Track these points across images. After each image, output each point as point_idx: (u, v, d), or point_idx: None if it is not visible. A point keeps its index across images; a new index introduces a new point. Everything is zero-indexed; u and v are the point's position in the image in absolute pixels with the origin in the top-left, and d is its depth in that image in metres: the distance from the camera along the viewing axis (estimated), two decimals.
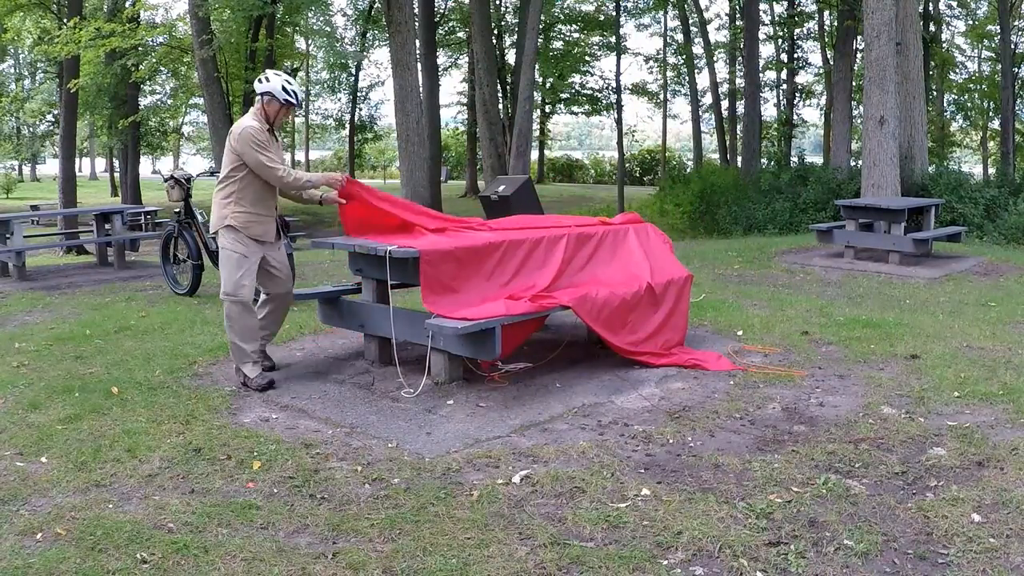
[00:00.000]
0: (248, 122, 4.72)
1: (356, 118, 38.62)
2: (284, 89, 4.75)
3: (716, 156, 32.72)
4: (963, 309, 7.08)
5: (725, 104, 31.03)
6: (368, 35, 32.18)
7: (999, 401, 4.39)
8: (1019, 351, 5.43)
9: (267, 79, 4.78)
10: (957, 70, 31.04)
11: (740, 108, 27.85)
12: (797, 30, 29.56)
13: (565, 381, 4.83)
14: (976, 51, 31.48)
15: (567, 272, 5.14)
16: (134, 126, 23.82)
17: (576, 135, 73.71)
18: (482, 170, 23.08)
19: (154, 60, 22.04)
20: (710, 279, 8.70)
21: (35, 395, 4.58)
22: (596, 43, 36.03)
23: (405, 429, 4.08)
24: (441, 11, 30.25)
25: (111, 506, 3.21)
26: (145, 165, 36.11)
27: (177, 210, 8.07)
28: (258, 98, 4.79)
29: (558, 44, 35.63)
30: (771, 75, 31.79)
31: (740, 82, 28.06)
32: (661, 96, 37.45)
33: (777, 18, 29.42)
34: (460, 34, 33.11)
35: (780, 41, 30.82)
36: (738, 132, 28.55)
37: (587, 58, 36.50)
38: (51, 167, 43.07)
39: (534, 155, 38.63)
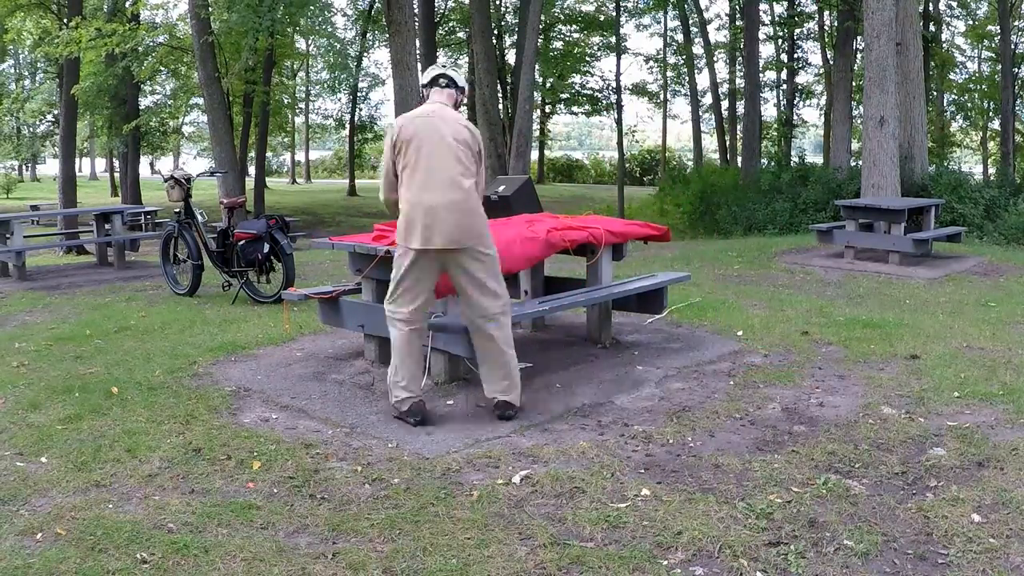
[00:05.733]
0: (474, 127, 4.22)
1: (356, 118, 38.63)
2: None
3: (716, 156, 32.73)
4: (963, 309, 7.08)
5: (725, 104, 31.04)
6: (368, 35, 32.20)
7: (999, 401, 4.39)
8: (1019, 351, 5.43)
9: (456, 70, 4.35)
10: (957, 70, 31.07)
11: (740, 108, 27.85)
12: (797, 30, 29.56)
13: (565, 381, 4.83)
14: (976, 51, 31.52)
15: None
16: (135, 127, 23.83)
17: (576, 135, 73.66)
18: None
19: (154, 60, 22.05)
20: (710, 279, 8.70)
21: (35, 395, 4.58)
22: (596, 43, 36.05)
23: (405, 429, 4.08)
24: (441, 11, 30.27)
25: (111, 506, 3.21)
26: (145, 165, 36.10)
27: (177, 210, 8.08)
28: (454, 90, 4.28)
29: (558, 44, 35.65)
30: (771, 75, 31.80)
31: (740, 82, 28.07)
32: (661, 96, 37.49)
33: (777, 18, 29.42)
34: (460, 34, 33.11)
35: (780, 41, 30.82)
36: (738, 132, 28.55)
37: (587, 58, 36.53)
38: (51, 167, 43.06)
39: (534, 155, 38.63)
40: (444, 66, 4.41)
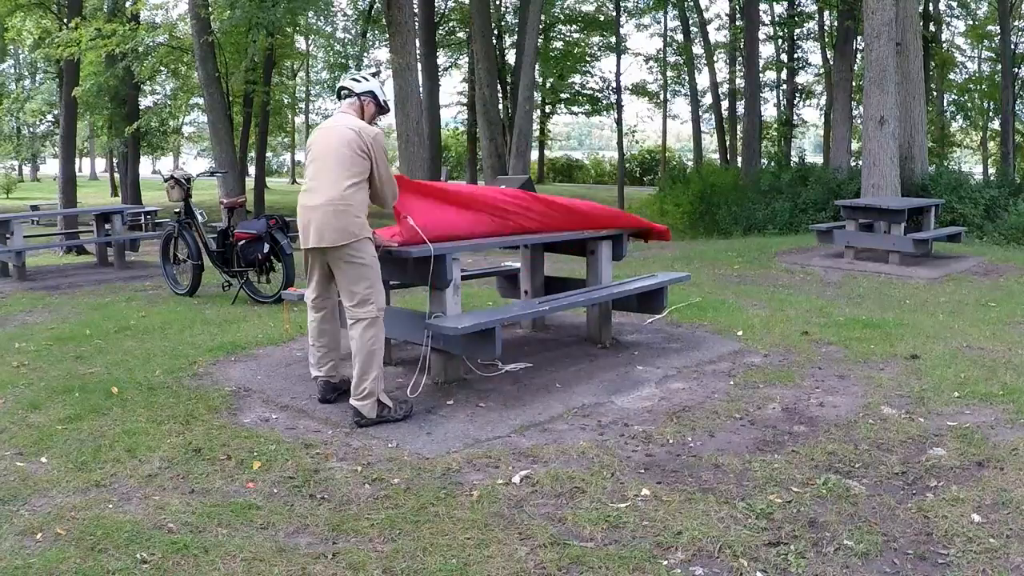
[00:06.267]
0: (369, 126, 4.18)
1: None
2: (383, 91, 4.35)
3: (716, 156, 32.72)
4: (963, 309, 7.08)
5: (725, 104, 31.03)
6: (368, 35, 32.17)
7: (999, 401, 4.39)
8: (1019, 351, 5.44)
9: (366, 79, 4.34)
10: (957, 70, 31.05)
11: (740, 108, 27.86)
12: (797, 30, 29.56)
13: (565, 381, 4.83)
14: (976, 51, 31.50)
15: None
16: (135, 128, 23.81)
17: (576, 135, 73.57)
18: (482, 170, 23.08)
19: (155, 60, 22.01)
20: (710, 279, 8.70)
21: (35, 395, 4.58)
22: (596, 43, 36.04)
23: (405, 429, 4.08)
24: (441, 11, 30.24)
25: (111, 506, 3.21)
26: (145, 165, 36.10)
27: (177, 210, 8.08)
28: (354, 98, 4.29)
29: (558, 44, 35.63)
30: (771, 75, 31.81)
31: (740, 82, 28.06)
32: (661, 96, 37.44)
33: (777, 18, 29.43)
34: (460, 34, 33.08)
35: (780, 41, 30.82)
36: (738, 132, 28.55)
37: (587, 58, 36.51)
38: (51, 167, 43.02)
39: (534, 155, 38.63)
40: (348, 75, 4.47)
